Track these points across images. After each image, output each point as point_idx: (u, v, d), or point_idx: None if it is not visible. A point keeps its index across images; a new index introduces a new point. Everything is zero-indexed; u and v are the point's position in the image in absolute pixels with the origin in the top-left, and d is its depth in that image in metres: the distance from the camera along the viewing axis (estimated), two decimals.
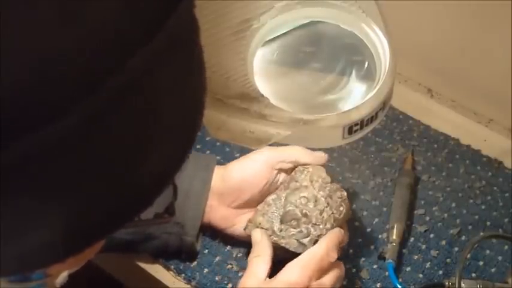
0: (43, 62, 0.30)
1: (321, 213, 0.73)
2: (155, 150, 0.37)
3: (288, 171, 0.78)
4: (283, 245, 0.73)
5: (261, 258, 0.72)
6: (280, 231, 0.73)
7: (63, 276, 0.45)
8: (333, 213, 0.74)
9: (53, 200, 0.33)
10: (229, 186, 0.78)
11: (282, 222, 0.74)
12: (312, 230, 0.73)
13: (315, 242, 0.72)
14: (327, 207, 0.74)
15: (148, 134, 0.35)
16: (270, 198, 0.76)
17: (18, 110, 0.30)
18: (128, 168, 0.35)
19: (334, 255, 0.71)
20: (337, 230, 0.73)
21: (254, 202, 0.78)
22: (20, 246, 0.35)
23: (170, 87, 0.36)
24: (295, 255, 0.72)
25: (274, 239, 0.73)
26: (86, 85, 0.31)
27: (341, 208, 0.75)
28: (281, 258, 0.73)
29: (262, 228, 0.74)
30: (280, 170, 0.78)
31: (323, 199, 0.74)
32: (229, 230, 0.80)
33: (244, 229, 0.76)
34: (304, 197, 0.74)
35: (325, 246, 0.71)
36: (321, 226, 0.73)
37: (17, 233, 0.34)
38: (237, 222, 0.79)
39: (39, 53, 0.30)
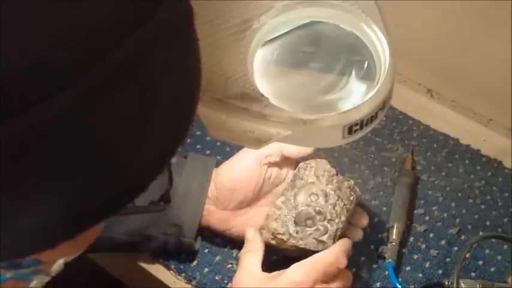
0: (38, 43, 0.30)
1: (334, 207, 0.72)
2: (150, 135, 0.36)
3: (279, 164, 0.77)
4: (302, 246, 0.71)
5: (252, 253, 0.72)
6: (297, 233, 0.71)
7: (58, 264, 0.44)
8: (344, 204, 0.73)
9: (47, 186, 0.33)
10: (222, 191, 0.78)
11: (296, 224, 0.71)
12: (329, 226, 0.71)
13: (335, 237, 0.71)
14: (338, 200, 0.72)
15: (143, 117, 0.35)
16: (279, 201, 0.74)
17: (13, 90, 0.30)
18: (122, 153, 0.35)
19: (344, 262, 0.70)
20: (347, 239, 0.73)
21: (250, 201, 0.78)
22: (10, 233, 0.34)
23: (164, 71, 0.36)
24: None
25: (293, 241, 0.71)
26: (79, 66, 0.31)
27: (351, 198, 0.74)
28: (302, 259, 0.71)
29: (278, 233, 0.72)
30: (270, 165, 0.77)
31: (333, 192, 0.73)
32: (227, 233, 0.79)
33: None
34: (314, 193, 0.73)
35: (335, 251, 0.70)
36: (336, 220, 0.71)
37: (8, 220, 0.34)
38: (235, 224, 0.79)
39: (35, 34, 0.30)
